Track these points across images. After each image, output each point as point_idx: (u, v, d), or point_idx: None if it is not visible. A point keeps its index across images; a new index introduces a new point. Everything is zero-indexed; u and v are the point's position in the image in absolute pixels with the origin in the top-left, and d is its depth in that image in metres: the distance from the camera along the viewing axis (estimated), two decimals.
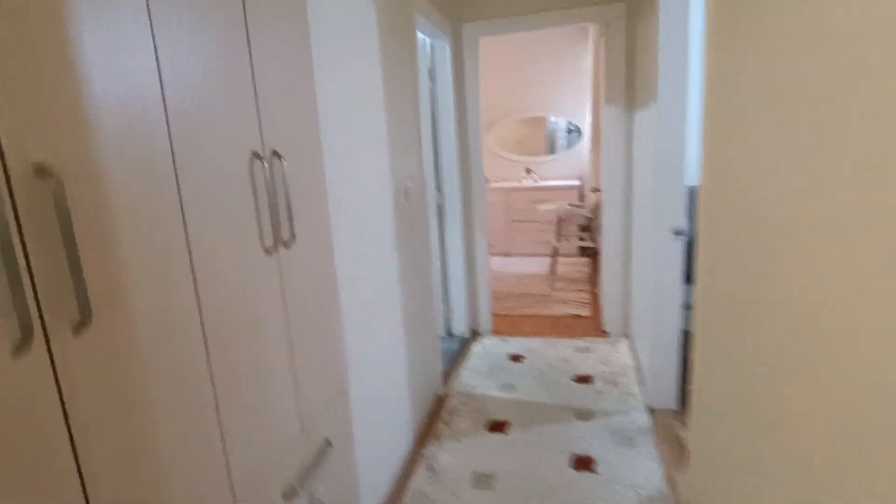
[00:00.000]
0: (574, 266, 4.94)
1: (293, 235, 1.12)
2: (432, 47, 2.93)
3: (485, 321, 3.40)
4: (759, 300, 1.09)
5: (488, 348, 3.14)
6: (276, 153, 1.06)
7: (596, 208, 4.20)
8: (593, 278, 4.43)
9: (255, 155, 0.99)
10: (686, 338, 2.33)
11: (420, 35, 2.66)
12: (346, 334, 1.52)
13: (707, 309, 1.47)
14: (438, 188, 3.12)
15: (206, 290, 0.83)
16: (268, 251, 1.03)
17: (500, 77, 5.53)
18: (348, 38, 1.57)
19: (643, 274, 2.62)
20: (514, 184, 5.50)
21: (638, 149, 2.75)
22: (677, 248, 2.21)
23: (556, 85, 5.47)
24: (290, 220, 1.11)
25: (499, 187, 5.40)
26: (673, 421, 2.27)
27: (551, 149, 5.67)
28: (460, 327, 3.32)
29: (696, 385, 1.58)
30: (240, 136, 0.94)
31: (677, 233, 2.19)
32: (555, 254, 4.40)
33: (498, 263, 5.10)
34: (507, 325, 3.55)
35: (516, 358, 2.98)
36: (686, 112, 2.08)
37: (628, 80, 2.87)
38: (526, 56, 5.45)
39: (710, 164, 1.39)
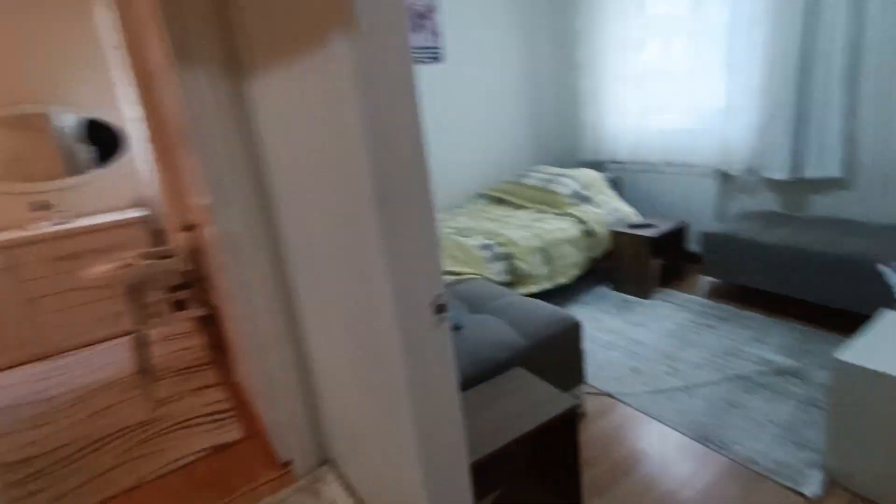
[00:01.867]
0: (176, 342, 3.19)
1: None
2: None
3: None
4: None
5: None
6: None
7: (197, 252, 2.63)
8: (221, 359, 2.87)
9: None
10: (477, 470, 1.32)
11: None
12: None
13: None
14: None
15: None
16: None
17: None
18: None
19: (352, 361, 1.43)
20: (20, 233, 3.11)
21: (283, 143, 1.47)
22: (443, 333, 1.13)
23: (54, 63, 3.32)
24: None
25: None
26: None
27: (74, 166, 3.51)
28: None
29: None
30: None
31: (440, 308, 1.10)
32: (141, 343, 2.58)
33: (27, 384, 2.75)
34: None
35: None
36: (408, 44, 0.97)
37: (222, 28, 1.50)
38: None
39: None
